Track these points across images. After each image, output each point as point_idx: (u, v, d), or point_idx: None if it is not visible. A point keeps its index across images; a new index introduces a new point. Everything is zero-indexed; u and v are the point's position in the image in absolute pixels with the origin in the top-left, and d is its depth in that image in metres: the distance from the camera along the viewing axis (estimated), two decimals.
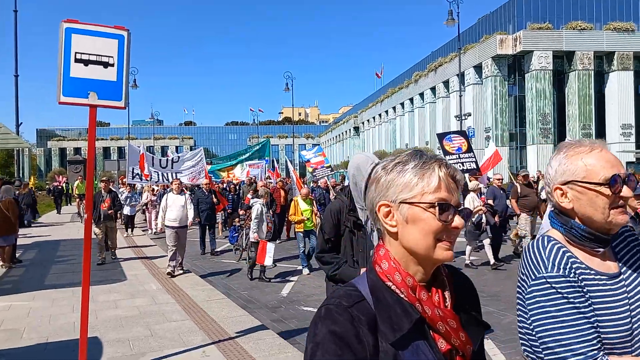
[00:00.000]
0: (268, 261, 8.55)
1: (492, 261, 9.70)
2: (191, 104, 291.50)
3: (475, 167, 11.80)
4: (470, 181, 10.73)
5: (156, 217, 16.78)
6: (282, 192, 14.99)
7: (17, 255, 11.00)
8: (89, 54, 4.33)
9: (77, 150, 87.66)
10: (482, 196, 10.34)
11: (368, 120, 71.57)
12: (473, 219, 9.45)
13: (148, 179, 14.53)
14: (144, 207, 18.32)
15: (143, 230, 17.34)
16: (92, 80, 4.35)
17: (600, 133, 37.07)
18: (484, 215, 9.64)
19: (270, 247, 8.58)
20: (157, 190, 18.61)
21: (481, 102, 40.76)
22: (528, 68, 37.09)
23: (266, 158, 20.82)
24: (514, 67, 39.49)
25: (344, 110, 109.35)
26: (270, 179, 19.54)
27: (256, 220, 8.89)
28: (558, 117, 37.84)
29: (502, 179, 11.11)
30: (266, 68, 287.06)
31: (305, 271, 9.60)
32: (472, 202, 9.74)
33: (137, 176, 14.32)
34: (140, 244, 13.82)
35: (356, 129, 77.93)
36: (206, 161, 16.54)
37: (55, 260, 11.30)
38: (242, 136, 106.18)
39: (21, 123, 23.01)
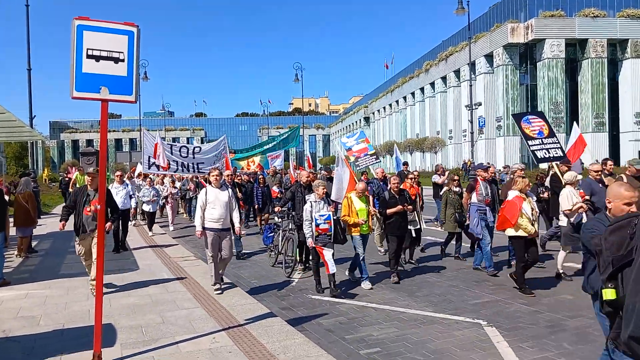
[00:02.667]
0: (333, 268, 7.31)
1: (560, 270, 8.10)
2: (202, 95, 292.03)
3: (562, 153, 10.16)
4: (563, 171, 9.11)
5: (176, 212, 15.97)
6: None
7: (32, 245, 11.27)
8: (100, 50, 4.46)
9: (89, 142, 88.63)
10: (580, 190, 8.20)
11: (378, 111, 71.33)
12: (572, 219, 7.76)
13: (167, 170, 13.07)
14: (164, 200, 16.36)
15: (161, 227, 15.54)
16: (104, 75, 4.47)
17: (614, 121, 36.65)
18: (584, 215, 7.75)
19: (328, 253, 7.33)
20: (182, 181, 17.36)
21: (492, 91, 40.45)
22: (540, 56, 36.69)
23: (296, 148, 20.71)
24: (526, 55, 39.08)
25: (354, 100, 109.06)
26: (301, 169, 18.81)
27: (308, 222, 7.39)
28: (571, 105, 37.45)
29: (603, 170, 9.06)
30: (276, 58, 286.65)
31: (367, 285, 7.74)
32: (569, 198, 7.76)
33: (154, 166, 12.97)
34: (161, 243, 12.17)
35: (366, 119, 77.73)
36: (230, 151, 15.49)
37: (69, 250, 11.55)
38: (252, 127, 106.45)
39: (34, 116, 23.40)
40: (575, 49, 37.01)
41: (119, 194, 10.90)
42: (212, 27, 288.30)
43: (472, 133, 32.57)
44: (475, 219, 8.56)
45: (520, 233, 7.17)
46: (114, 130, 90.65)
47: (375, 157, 12.99)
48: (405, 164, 15.40)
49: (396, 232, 8.14)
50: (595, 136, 35.42)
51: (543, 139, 10.11)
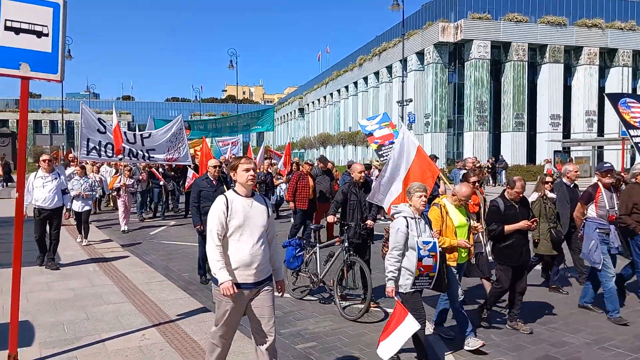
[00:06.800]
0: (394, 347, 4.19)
1: None
2: (129, 78, 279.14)
3: None
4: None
5: (127, 211, 12.50)
6: (310, 180, 10.54)
7: None
8: (21, 22, 4.06)
9: (3, 123, 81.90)
10: None
11: (313, 102, 71.50)
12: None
13: (119, 155, 11.02)
14: (115, 193, 13.07)
15: (100, 228, 12.43)
16: (24, 50, 4.08)
17: (532, 122, 39.01)
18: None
19: (413, 324, 4.11)
20: (133, 170, 13.20)
21: (422, 88, 41.71)
22: (468, 56, 38.25)
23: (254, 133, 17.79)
24: (455, 55, 40.58)
25: (289, 90, 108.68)
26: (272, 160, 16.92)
27: (398, 252, 4.41)
28: (494, 105, 39.41)
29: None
30: (210, 44, 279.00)
31: (476, 342, 4.95)
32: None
33: (94, 150, 11.02)
34: (109, 256, 8.92)
35: (301, 110, 77.68)
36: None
37: None
38: (183, 112, 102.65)
39: None
40: (500, 51, 38.92)
41: (46, 185, 8.01)
42: (145, 6, 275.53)
43: None
44: (593, 242, 6.08)
45: None
46: (32, 111, 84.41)
47: None
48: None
49: (515, 260, 5.50)
50: (514, 135, 37.58)
51: None
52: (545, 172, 21.92)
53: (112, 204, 16.61)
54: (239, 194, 3.74)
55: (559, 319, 5.99)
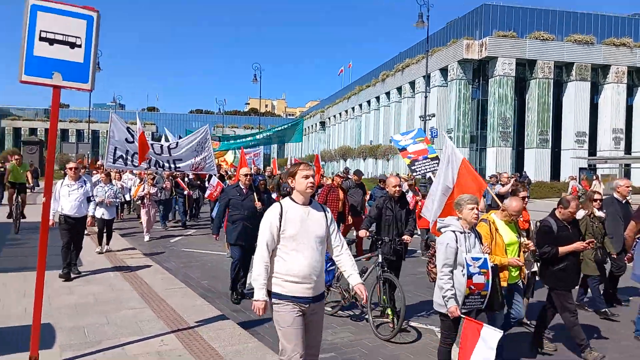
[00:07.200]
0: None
1: None
2: (155, 90, 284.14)
3: None
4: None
5: (152, 218, 12.65)
6: (341, 193, 10.26)
7: None
8: (55, 33, 4.21)
9: (32, 131, 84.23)
10: None
11: (334, 116, 71.76)
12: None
13: (143, 163, 10.88)
14: (139, 202, 13.21)
15: (123, 236, 12.36)
16: (57, 60, 4.23)
17: (557, 139, 38.44)
18: None
19: (494, 334, 3.86)
20: (156, 179, 13.43)
21: (445, 104, 41.55)
22: (492, 73, 38.03)
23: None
24: (479, 71, 40.39)
25: (311, 104, 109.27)
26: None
27: (449, 269, 4.16)
28: (518, 121, 38.99)
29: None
30: (234, 58, 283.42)
31: None
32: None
33: (121, 159, 10.86)
34: (129, 262, 8.99)
35: (322, 123, 78.01)
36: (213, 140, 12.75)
37: (7, 244, 10.89)
38: (207, 124, 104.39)
39: None
40: (525, 68, 38.60)
41: (72, 194, 7.85)
42: (171, 18, 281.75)
43: None
44: None
45: None
46: (61, 120, 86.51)
47: (437, 162, 9.71)
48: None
49: (570, 284, 5.23)
50: (538, 152, 37.10)
51: None
52: (570, 189, 21.55)
53: (136, 212, 16.88)
54: (295, 202, 3.51)
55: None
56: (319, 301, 3.50)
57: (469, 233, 4.22)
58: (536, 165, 36.76)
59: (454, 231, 4.18)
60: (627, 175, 34.61)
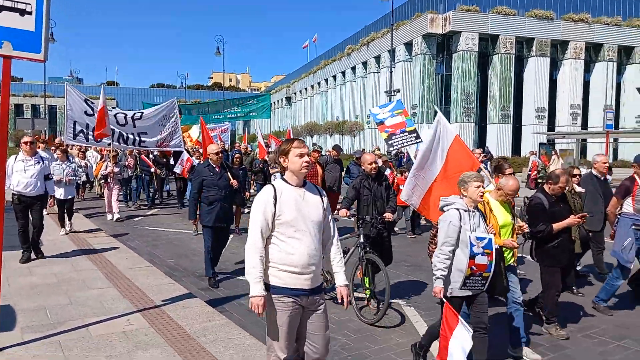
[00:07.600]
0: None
1: None
2: (114, 63, 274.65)
3: None
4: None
5: (116, 197, 12.02)
6: (319, 169, 9.89)
7: None
8: None
9: None
10: None
11: (300, 91, 71.18)
12: None
13: (105, 138, 10.30)
14: (102, 181, 12.77)
15: (87, 216, 11.93)
16: (6, 28, 3.98)
17: (518, 115, 39.31)
18: None
19: (464, 332, 3.67)
20: (119, 155, 12.79)
21: (410, 79, 41.75)
22: (455, 48, 38.31)
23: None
24: (443, 46, 40.65)
25: (276, 79, 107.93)
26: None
27: (449, 248, 3.90)
28: (480, 97, 39.62)
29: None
30: (196, 30, 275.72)
31: (533, 355, 4.61)
32: None
33: (82, 134, 10.35)
34: (93, 242, 8.69)
35: (288, 99, 77.32)
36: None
37: None
38: (168, 99, 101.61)
39: None
40: (487, 43, 39.06)
41: (28, 170, 7.28)
42: None
43: None
44: (630, 240, 5.72)
45: None
46: (14, 95, 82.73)
47: (415, 135, 9.60)
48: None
49: (565, 260, 5.12)
50: (500, 127, 37.89)
51: None
52: (530, 164, 22.10)
53: (99, 190, 16.39)
54: (289, 183, 3.13)
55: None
56: (318, 293, 3.18)
57: (473, 212, 3.98)
58: (498, 140, 37.58)
59: (457, 209, 3.94)
60: (584, 150, 35.79)
